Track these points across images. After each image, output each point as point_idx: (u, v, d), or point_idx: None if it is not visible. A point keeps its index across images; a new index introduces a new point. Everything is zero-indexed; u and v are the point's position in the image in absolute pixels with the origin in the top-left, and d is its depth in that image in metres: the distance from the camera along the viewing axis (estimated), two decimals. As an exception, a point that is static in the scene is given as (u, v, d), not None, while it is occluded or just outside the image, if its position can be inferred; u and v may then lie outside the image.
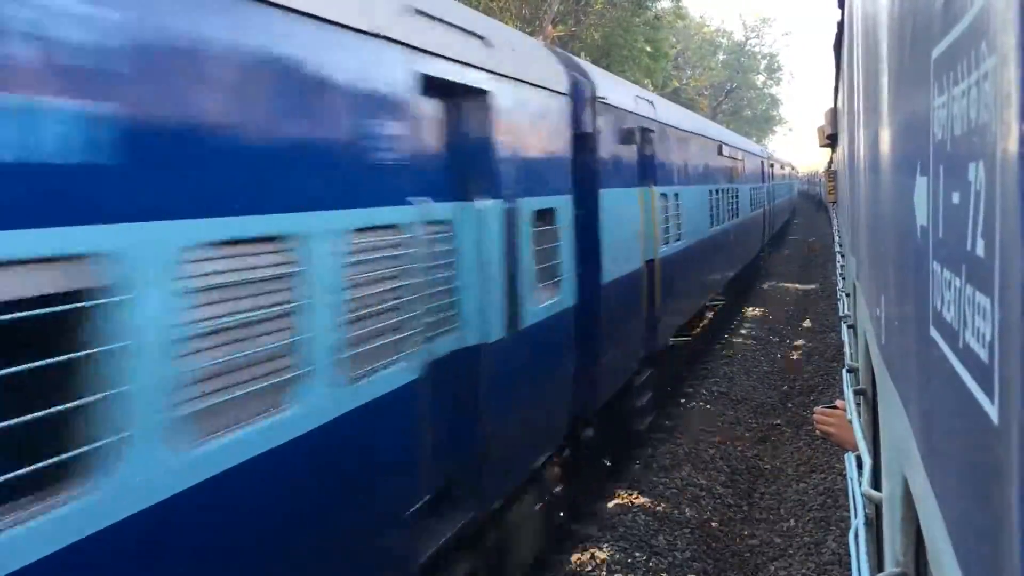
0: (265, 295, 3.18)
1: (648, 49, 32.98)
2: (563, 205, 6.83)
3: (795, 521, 8.72)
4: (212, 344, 2.88)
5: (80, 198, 2.40)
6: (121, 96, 2.54)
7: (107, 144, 2.45)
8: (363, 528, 4.06)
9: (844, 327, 5.48)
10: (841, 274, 9.06)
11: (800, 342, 17.38)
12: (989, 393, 0.66)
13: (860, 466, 2.73)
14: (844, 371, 4.02)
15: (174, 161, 2.76)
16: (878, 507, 2.31)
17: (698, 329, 16.76)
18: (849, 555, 2.45)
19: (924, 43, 1.03)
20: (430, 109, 4.76)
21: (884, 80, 1.80)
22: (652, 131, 10.35)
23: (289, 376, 3.29)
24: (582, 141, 7.45)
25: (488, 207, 5.25)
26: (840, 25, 6.62)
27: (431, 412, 4.50)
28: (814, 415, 3.81)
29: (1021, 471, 0.57)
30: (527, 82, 6.20)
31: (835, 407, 3.69)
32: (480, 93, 5.26)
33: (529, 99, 6.27)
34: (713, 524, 8.70)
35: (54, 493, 2.28)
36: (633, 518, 8.37)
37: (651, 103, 10.91)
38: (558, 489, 7.46)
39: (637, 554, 7.67)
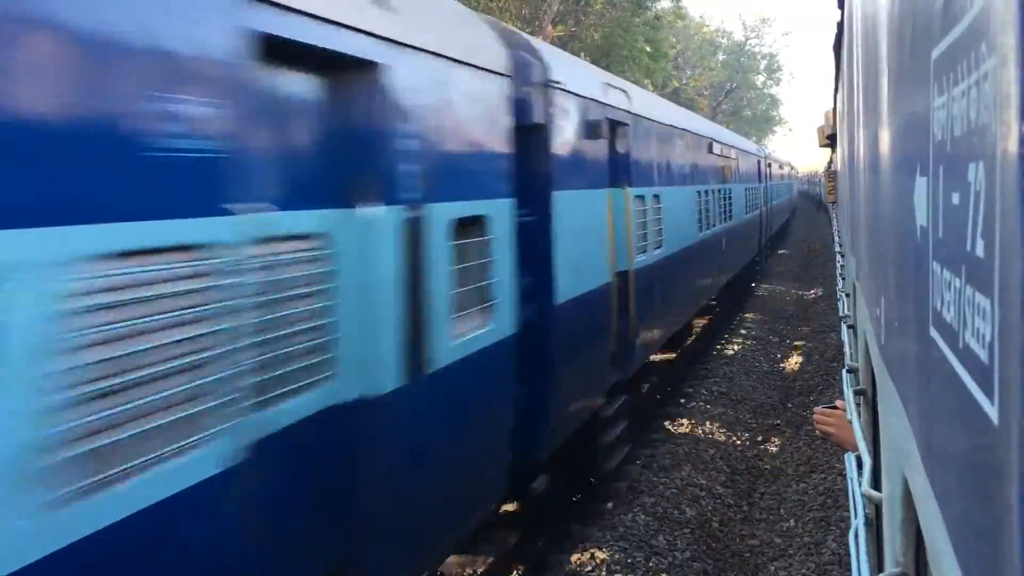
0: None
1: (648, 49, 33.01)
2: (500, 211, 5.50)
3: (795, 521, 8.72)
4: None
5: None
6: None
7: None
8: None
9: (844, 327, 5.48)
10: (841, 274, 9.06)
11: (800, 342, 17.38)
12: (989, 394, 0.66)
13: (860, 466, 2.73)
14: (844, 371, 4.02)
15: None
16: (878, 507, 2.31)
17: (689, 340, 16.00)
18: (849, 555, 2.45)
19: (924, 43, 1.03)
20: (278, 82, 3.54)
21: (884, 80, 1.80)
22: (626, 125, 9.12)
23: None
24: (530, 134, 6.30)
25: (376, 216, 3.98)
26: (840, 25, 6.62)
27: (272, 503, 3.31)
28: (814, 415, 3.81)
29: (1021, 471, 0.58)
30: (446, 56, 4.83)
31: (835, 407, 3.69)
32: (367, 66, 3.97)
33: (447, 78, 4.86)
34: (713, 524, 8.70)
35: None
36: (633, 518, 8.37)
37: (625, 92, 9.54)
38: (513, 543, 6.79)
39: (637, 554, 7.67)
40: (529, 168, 6.22)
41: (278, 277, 3.36)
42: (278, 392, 3.33)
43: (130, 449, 2.53)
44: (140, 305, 2.58)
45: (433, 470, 4.66)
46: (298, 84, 3.69)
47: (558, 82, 6.79)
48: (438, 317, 4.50)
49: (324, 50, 3.64)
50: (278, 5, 3.32)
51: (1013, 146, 0.58)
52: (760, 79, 78.86)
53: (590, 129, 7.71)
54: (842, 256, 9.73)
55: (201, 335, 2.81)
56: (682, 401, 12.96)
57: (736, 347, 17.05)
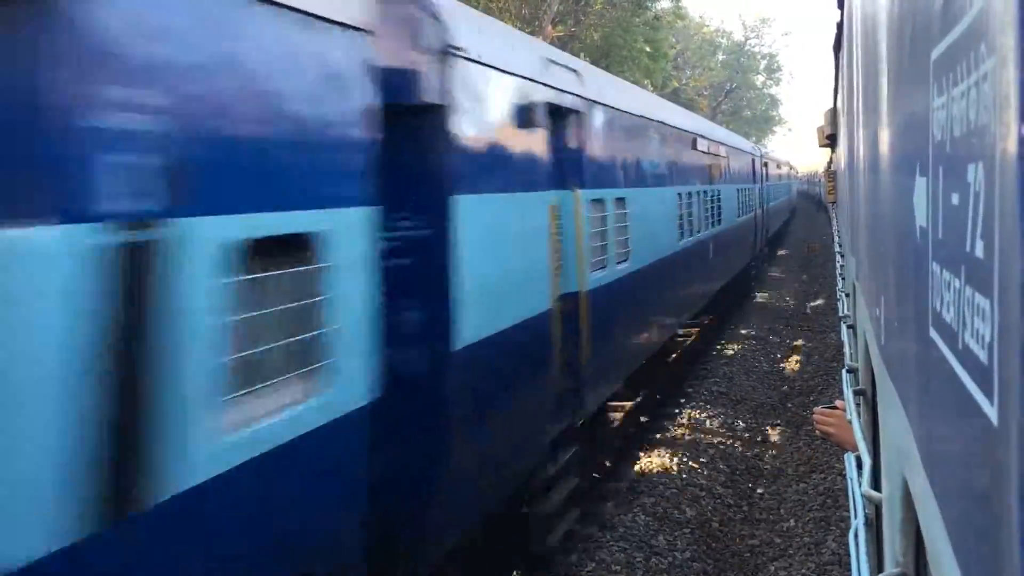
0: None
1: (648, 49, 33.01)
2: (346, 226, 3.71)
3: (795, 521, 8.73)
4: None
5: None
6: None
7: None
8: None
9: (844, 327, 5.48)
10: (841, 274, 9.06)
11: (800, 342, 17.39)
12: (988, 394, 0.66)
13: (860, 466, 2.73)
14: (844, 371, 4.02)
15: None
16: (878, 507, 2.31)
17: (671, 358, 14.04)
18: (849, 555, 2.45)
19: (923, 44, 1.03)
20: None
21: (883, 81, 1.80)
22: (577, 113, 7.41)
23: None
24: (417, 118, 4.76)
25: (28, 243, 2.28)
26: (840, 25, 6.62)
27: None
28: (814, 415, 3.81)
29: (1020, 472, 0.58)
30: None
31: (835, 407, 3.69)
32: None
33: (212, 16, 3.10)
34: (713, 524, 8.70)
35: None
36: (633, 518, 8.37)
37: (576, 73, 7.67)
38: None
39: (637, 554, 7.68)
40: (414, 165, 4.77)
41: None
42: None
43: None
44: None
45: None
46: None
47: (462, 49, 5.02)
48: (184, 406, 2.74)
49: None
50: None
51: (1012, 147, 0.58)
52: (760, 79, 78.87)
53: (521, 116, 5.99)
54: (842, 256, 9.73)
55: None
56: (682, 401, 12.96)
57: (736, 347, 17.04)
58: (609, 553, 7.65)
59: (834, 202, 16.12)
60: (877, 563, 2.35)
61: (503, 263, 5.63)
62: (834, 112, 10.78)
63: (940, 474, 1.00)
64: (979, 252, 0.70)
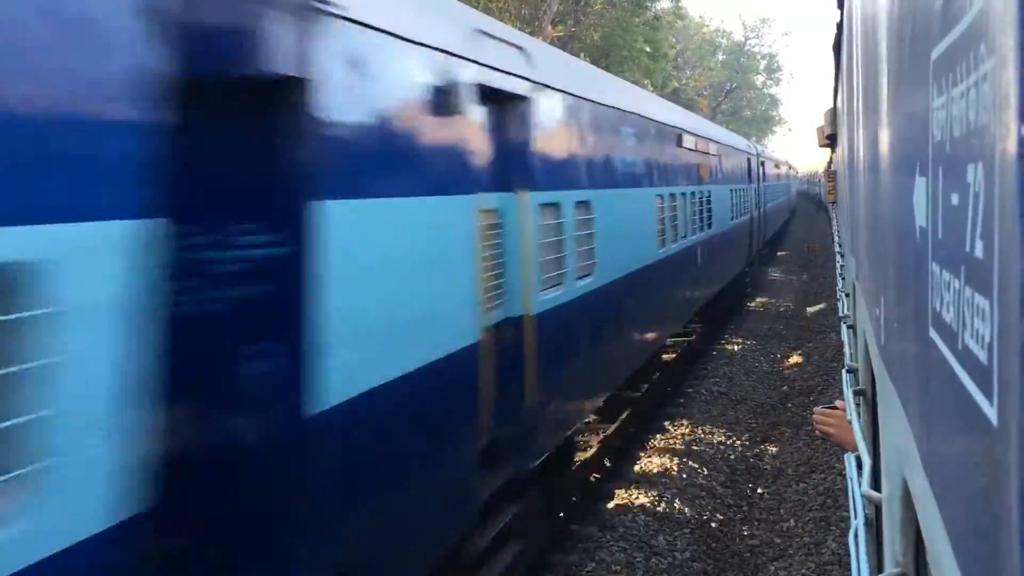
0: None
1: (648, 49, 33.02)
2: (74, 251, 2.33)
3: (795, 521, 8.73)
4: None
5: None
6: None
7: None
8: None
9: (844, 327, 5.48)
10: (841, 274, 9.06)
11: (800, 342, 17.38)
12: (988, 395, 0.66)
13: (860, 467, 2.73)
14: (844, 371, 4.02)
15: None
16: (878, 508, 2.32)
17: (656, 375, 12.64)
18: (849, 555, 2.45)
19: (923, 44, 1.03)
20: None
21: (883, 81, 1.80)
22: (524, 99, 6.08)
23: None
24: (262, 95, 3.53)
25: None
26: (840, 25, 6.62)
27: None
28: (814, 415, 3.81)
29: (1020, 472, 0.58)
30: None
31: (835, 407, 3.69)
32: None
33: None
34: (713, 524, 8.70)
35: None
36: (633, 518, 8.37)
37: (521, 51, 6.27)
38: None
39: (637, 554, 7.68)
40: (258, 160, 3.56)
41: None
42: None
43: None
44: None
45: None
46: None
47: (334, 6, 3.78)
48: None
49: None
50: None
51: (1012, 147, 0.58)
52: (760, 79, 78.92)
53: (436, 99, 4.68)
54: (842, 256, 9.73)
55: None
56: (682, 401, 12.96)
57: (736, 347, 17.04)
58: (609, 553, 7.65)
59: (834, 202, 15.85)
60: (877, 563, 2.35)
61: (400, 289, 4.23)
62: (834, 112, 10.78)
63: (940, 474, 1.00)
64: (979, 252, 0.70)
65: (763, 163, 27.58)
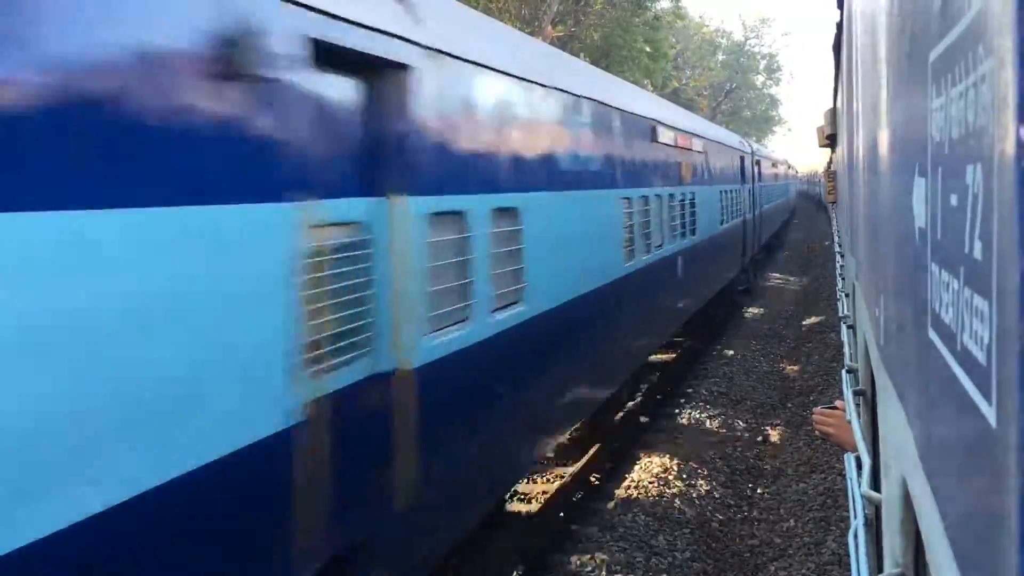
0: None
1: (647, 49, 33.04)
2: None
3: (795, 521, 8.73)
4: None
5: None
6: None
7: None
8: None
9: (844, 327, 5.48)
10: (841, 274, 9.06)
11: (800, 342, 17.39)
12: (987, 395, 0.66)
13: (859, 467, 2.73)
14: (843, 372, 4.02)
15: None
16: (877, 508, 2.31)
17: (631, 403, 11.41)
18: (848, 556, 2.45)
19: (922, 45, 1.03)
20: None
21: (883, 81, 1.80)
22: (401, 69, 4.49)
23: None
24: None
25: None
26: (839, 25, 6.62)
27: None
28: (813, 415, 3.81)
29: (1018, 474, 0.58)
30: None
31: (834, 407, 3.69)
32: None
33: None
34: (713, 524, 8.70)
35: None
36: (633, 518, 8.37)
37: (401, 2, 4.75)
38: None
39: (637, 554, 7.68)
40: None
41: None
42: None
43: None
44: None
45: None
46: None
47: None
48: None
49: None
50: None
51: (1010, 148, 0.58)
52: (760, 79, 78.93)
53: (226, 58, 3.26)
54: (842, 256, 9.73)
55: None
56: (682, 401, 12.96)
57: (736, 347, 17.04)
58: (609, 553, 7.65)
59: (834, 202, 15.65)
60: (877, 563, 2.35)
61: (116, 366, 2.61)
62: (834, 112, 10.77)
63: (939, 475, 1.00)
64: (977, 253, 0.70)
65: (759, 162, 25.68)
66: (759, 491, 9.84)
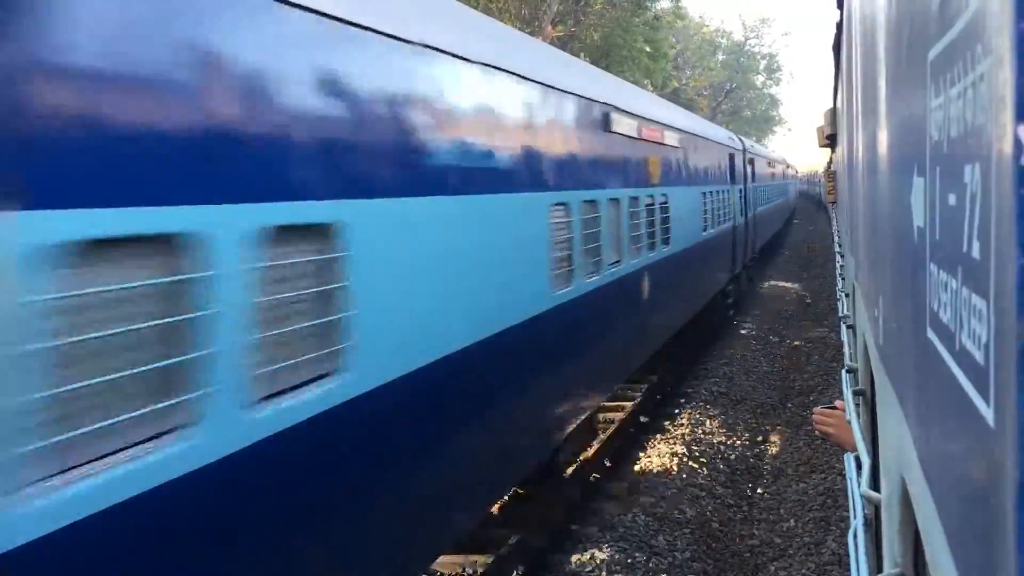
0: None
1: (647, 49, 33.06)
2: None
3: (795, 521, 8.73)
4: None
5: None
6: None
7: None
8: None
9: (843, 327, 5.48)
10: (841, 274, 9.06)
11: (800, 343, 17.39)
12: (985, 395, 0.66)
13: (859, 467, 2.73)
14: (843, 371, 4.02)
15: None
16: (877, 508, 2.31)
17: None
18: (848, 556, 2.45)
19: (921, 44, 1.03)
20: None
21: (882, 81, 1.80)
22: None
23: None
24: None
25: None
26: (839, 25, 6.62)
27: None
28: (813, 415, 3.82)
29: (1016, 473, 0.57)
30: None
31: (834, 407, 3.69)
32: None
33: None
34: (713, 524, 8.70)
35: None
36: (633, 518, 8.37)
37: None
38: None
39: (637, 554, 7.68)
40: None
41: None
42: None
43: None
44: None
45: None
46: None
47: None
48: None
49: None
50: None
51: (1008, 147, 0.58)
52: (760, 79, 78.98)
53: None
54: (842, 256, 9.72)
55: None
56: (682, 401, 12.96)
57: (736, 347, 17.04)
58: (609, 553, 7.65)
59: (834, 202, 15.42)
60: (876, 563, 2.35)
61: None
62: (834, 112, 10.77)
63: (937, 475, 1.00)
64: (976, 253, 0.69)
65: (752, 160, 23.29)
66: (759, 491, 9.84)
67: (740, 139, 22.62)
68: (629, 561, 7.55)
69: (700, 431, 11.48)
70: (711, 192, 15.21)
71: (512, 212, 6.01)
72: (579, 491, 9.03)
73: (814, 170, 74.19)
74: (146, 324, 2.84)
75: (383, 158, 4.39)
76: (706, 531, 8.48)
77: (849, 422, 3.17)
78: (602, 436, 10.48)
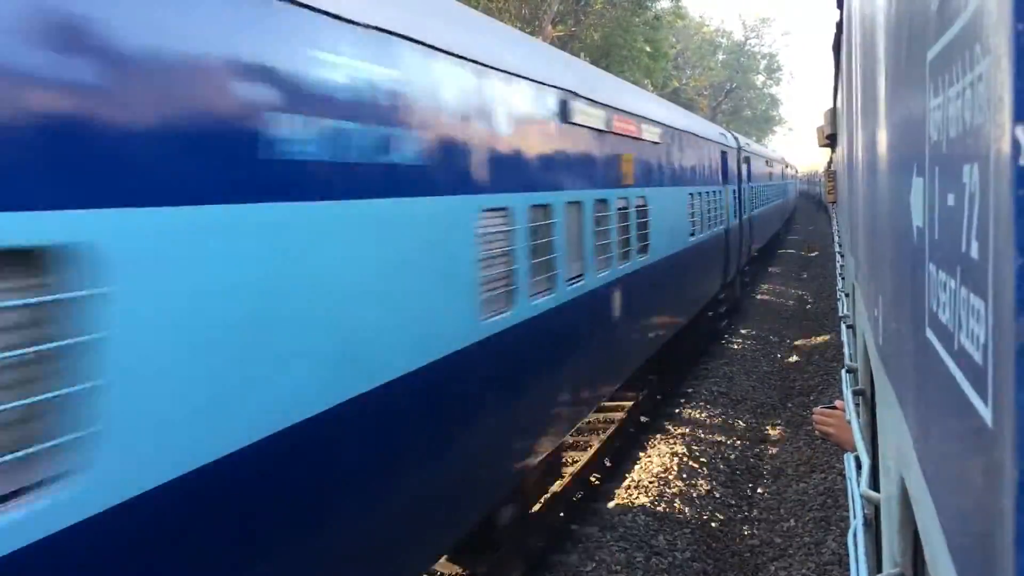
0: None
1: (648, 49, 33.06)
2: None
3: (795, 521, 8.73)
4: None
5: None
6: None
7: None
8: None
9: (843, 327, 5.48)
10: (841, 274, 9.06)
11: (800, 342, 17.38)
12: (983, 395, 0.66)
13: (859, 467, 2.73)
14: (843, 371, 4.02)
15: None
16: (877, 508, 2.31)
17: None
18: (848, 556, 2.45)
19: (920, 44, 1.03)
20: None
21: (881, 81, 1.80)
22: None
23: None
24: None
25: None
26: (839, 25, 6.62)
27: None
28: (813, 415, 3.82)
29: (1014, 474, 0.57)
30: None
31: (834, 407, 3.69)
32: None
33: None
34: (713, 524, 8.70)
35: None
36: (633, 518, 8.37)
37: None
38: None
39: (637, 554, 7.68)
40: None
41: None
42: None
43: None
44: None
45: None
46: None
47: None
48: None
49: None
50: None
51: (1006, 147, 0.58)
52: (760, 79, 79.00)
53: None
54: (842, 256, 9.72)
55: None
56: (682, 401, 12.96)
57: (736, 347, 17.04)
58: (609, 553, 7.65)
59: (834, 202, 15.29)
60: (876, 563, 2.35)
61: None
62: (834, 112, 10.77)
63: (936, 475, 1.00)
64: (974, 253, 0.70)
65: (748, 159, 21.92)
66: (759, 491, 9.84)
67: (734, 136, 21.19)
68: (629, 561, 7.55)
69: (700, 431, 11.48)
70: (700, 193, 14.01)
71: (415, 221, 4.47)
72: (579, 491, 9.04)
73: (814, 170, 74.21)
74: None
75: (174, 145, 2.89)
76: (706, 531, 8.48)
77: (849, 422, 3.17)
78: (602, 436, 10.49)
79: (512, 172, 5.99)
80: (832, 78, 10.51)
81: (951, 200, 0.81)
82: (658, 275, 10.52)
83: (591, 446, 10.15)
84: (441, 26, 5.27)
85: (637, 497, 8.99)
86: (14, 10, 2.36)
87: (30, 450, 2.33)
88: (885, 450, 1.99)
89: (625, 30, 31.36)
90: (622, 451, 10.57)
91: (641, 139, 9.98)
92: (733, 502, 9.41)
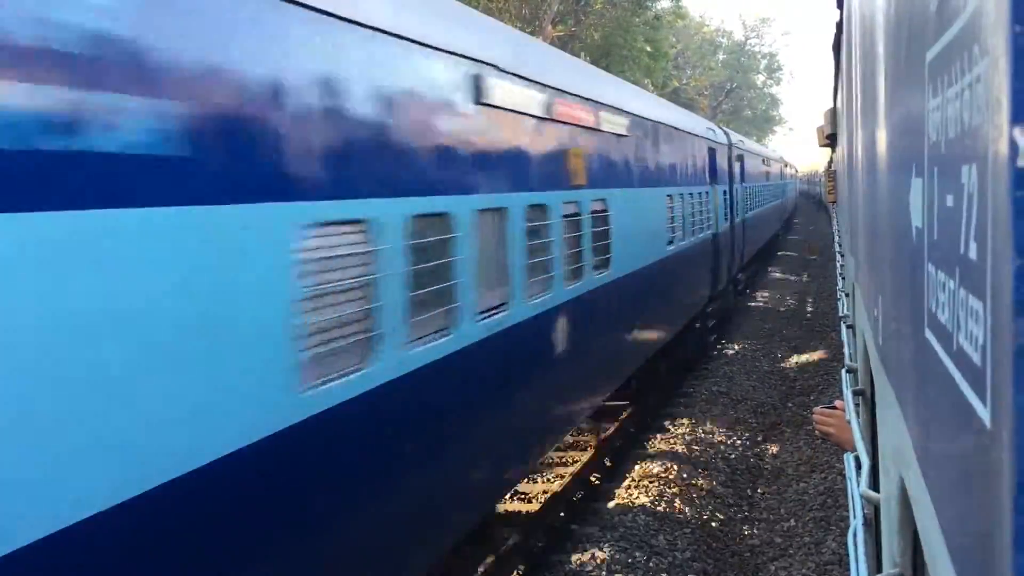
0: None
1: (648, 49, 33.07)
2: None
3: (795, 521, 8.73)
4: None
5: None
6: None
7: None
8: None
9: (843, 327, 5.48)
10: (841, 274, 9.06)
11: (800, 342, 17.38)
12: (982, 396, 0.66)
13: (859, 467, 2.74)
14: (843, 371, 4.02)
15: None
16: (877, 508, 2.32)
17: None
18: (848, 555, 2.46)
19: (919, 45, 1.03)
20: None
21: (880, 81, 1.80)
22: None
23: None
24: None
25: None
26: (839, 25, 6.62)
27: None
28: (813, 415, 3.82)
29: (1013, 474, 0.58)
30: None
31: (834, 407, 3.69)
32: None
33: None
34: (713, 524, 8.70)
35: None
36: (633, 518, 8.37)
37: None
38: None
39: (637, 554, 7.68)
40: None
41: None
42: None
43: None
44: None
45: None
46: None
47: None
48: None
49: None
50: None
51: (1004, 149, 0.58)
52: (760, 79, 79.02)
53: None
54: (842, 256, 9.72)
55: None
56: (682, 401, 12.96)
57: (736, 347, 17.04)
58: (609, 553, 7.65)
59: (834, 202, 15.19)
60: (876, 563, 2.35)
61: None
62: (834, 112, 10.76)
63: (935, 475, 1.00)
64: (973, 254, 0.70)
65: (741, 157, 20.28)
66: (759, 491, 9.84)
67: (725, 132, 19.22)
68: (629, 561, 7.55)
69: (700, 431, 11.48)
70: (682, 195, 12.32)
71: (142, 244, 2.77)
72: (579, 491, 9.04)
73: (814, 170, 74.21)
74: None
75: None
76: (706, 531, 8.48)
77: (849, 422, 3.17)
78: (602, 436, 10.49)
79: (379, 168, 4.31)
80: (832, 78, 10.51)
81: (950, 201, 0.81)
82: (623, 294, 8.88)
83: (591, 446, 10.16)
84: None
85: (637, 497, 8.99)
86: None
87: None
88: (885, 450, 1.99)
89: (625, 30, 31.37)
90: (622, 451, 10.57)
91: (600, 130, 8.30)
92: (733, 502, 9.41)
